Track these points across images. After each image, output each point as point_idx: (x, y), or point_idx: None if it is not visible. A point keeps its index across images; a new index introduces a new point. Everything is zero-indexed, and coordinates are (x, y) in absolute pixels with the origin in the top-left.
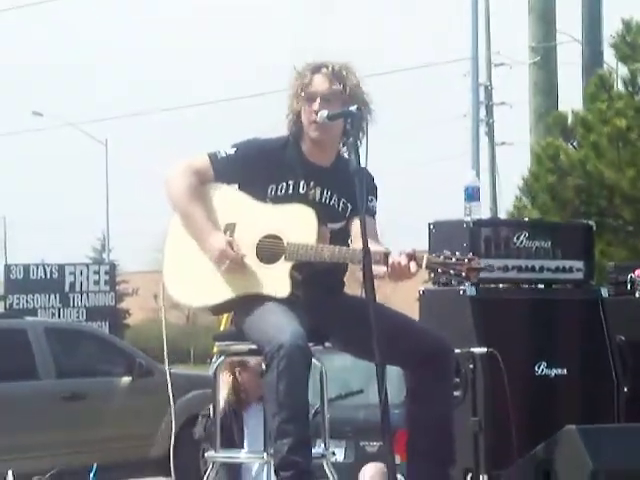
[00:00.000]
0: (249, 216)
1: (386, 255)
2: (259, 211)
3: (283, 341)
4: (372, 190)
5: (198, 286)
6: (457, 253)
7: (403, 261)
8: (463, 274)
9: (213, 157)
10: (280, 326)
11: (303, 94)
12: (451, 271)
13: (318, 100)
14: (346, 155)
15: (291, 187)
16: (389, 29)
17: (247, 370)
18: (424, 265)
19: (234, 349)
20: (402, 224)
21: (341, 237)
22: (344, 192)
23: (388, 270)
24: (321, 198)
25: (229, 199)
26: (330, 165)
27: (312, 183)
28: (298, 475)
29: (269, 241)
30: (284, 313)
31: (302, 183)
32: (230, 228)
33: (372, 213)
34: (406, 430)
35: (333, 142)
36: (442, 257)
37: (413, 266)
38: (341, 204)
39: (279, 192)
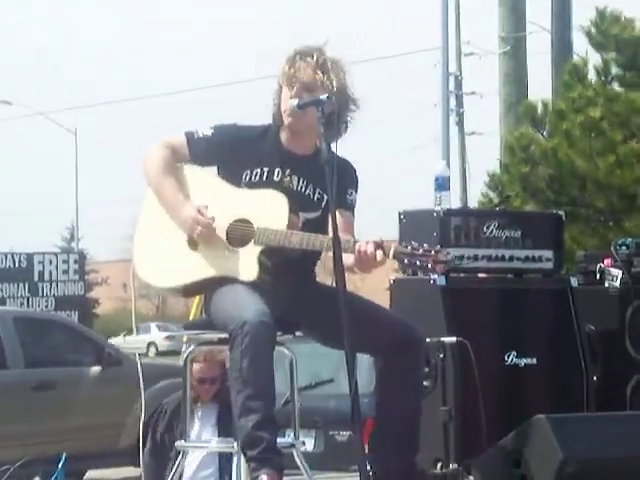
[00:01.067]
0: (221, 199)
1: (353, 243)
2: (231, 195)
3: (246, 318)
4: (352, 183)
5: (168, 268)
6: (425, 245)
7: (370, 249)
8: (429, 265)
9: (190, 136)
10: (244, 304)
11: (286, 79)
12: (417, 262)
13: (296, 87)
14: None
15: (265, 174)
16: (359, 18)
17: (213, 362)
18: (391, 255)
19: (203, 338)
20: (372, 213)
21: (317, 227)
22: (321, 182)
23: (355, 256)
24: (297, 186)
25: (202, 181)
26: (309, 154)
27: (288, 171)
28: (264, 451)
29: (239, 225)
30: (249, 293)
31: (277, 170)
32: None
33: (351, 207)
34: (373, 418)
35: (311, 131)
36: (409, 248)
37: (379, 255)
38: (317, 194)
39: (253, 178)
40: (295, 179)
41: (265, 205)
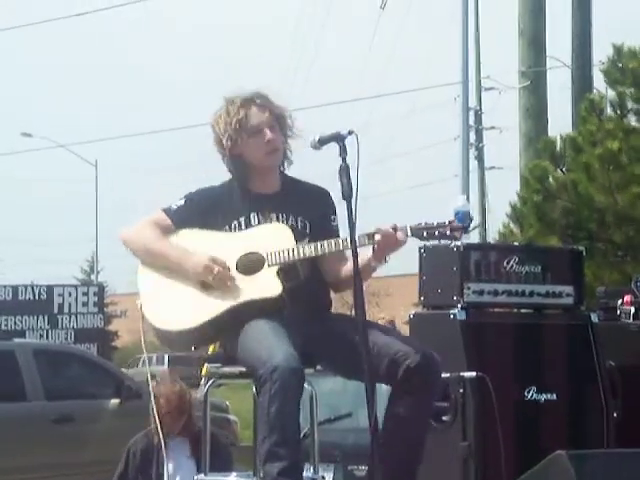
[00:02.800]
0: (222, 244)
1: (371, 235)
2: (230, 239)
3: (276, 363)
4: (333, 209)
5: (185, 311)
6: (434, 221)
7: (389, 232)
8: (448, 233)
9: (167, 210)
10: (273, 347)
11: (242, 130)
12: (436, 232)
13: (267, 130)
14: (288, 174)
15: (243, 223)
16: (380, 52)
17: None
18: (409, 232)
19: (225, 372)
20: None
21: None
22: (299, 211)
23: (375, 247)
24: (279, 221)
25: (196, 237)
26: (278, 189)
27: (266, 212)
28: None
29: (248, 257)
30: (275, 333)
31: (252, 215)
32: None
33: (337, 233)
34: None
35: (277, 168)
36: (423, 223)
37: (401, 234)
38: (299, 222)
39: (234, 230)
40: (274, 216)
41: (268, 235)
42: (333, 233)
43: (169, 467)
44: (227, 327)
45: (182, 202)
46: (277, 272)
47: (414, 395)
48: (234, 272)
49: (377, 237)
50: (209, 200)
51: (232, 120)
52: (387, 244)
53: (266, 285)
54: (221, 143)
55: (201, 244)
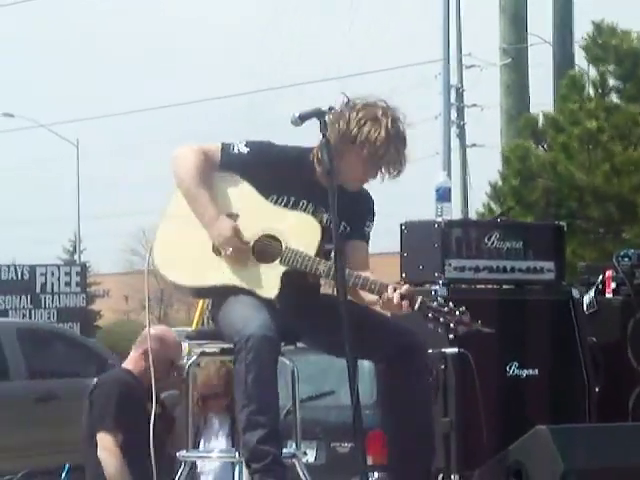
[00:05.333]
0: (253, 210)
1: (380, 286)
2: (265, 209)
3: (250, 333)
4: (369, 214)
5: (188, 266)
6: (450, 304)
7: (396, 299)
8: (451, 325)
9: (226, 147)
10: (248, 318)
11: (362, 148)
12: (441, 319)
13: (382, 168)
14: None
15: (291, 203)
16: (359, 31)
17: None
18: (417, 307)
19: (205, 350)
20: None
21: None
22: (345, 216)
23: (380, 304)
24: (325, 220)
25: (237, 189)
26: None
27: (316, 205)
28: (269, 465)
29: (267, 241)
30: (255, 306)
31: (303, 202)
32: (232, 218)
33: (367, 238)
34: (384, 428)
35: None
36: (435, 303)
37: (405, 305)
38: (341, 227)
39: (278, 203)
40: (323, 213)
41: (298, 227)
42: (364, 238)
43: (208, 443)
44: (219, 294)
45: (245, 150)
46: (284, 273)
47: (418, 370)
48: (248, 251)
49: (383, 297)
50: (273, 161)
51: (357, 132)
52: (387, 307)
53: (267, 283)
54: (336, 132)
55: (237, 199)
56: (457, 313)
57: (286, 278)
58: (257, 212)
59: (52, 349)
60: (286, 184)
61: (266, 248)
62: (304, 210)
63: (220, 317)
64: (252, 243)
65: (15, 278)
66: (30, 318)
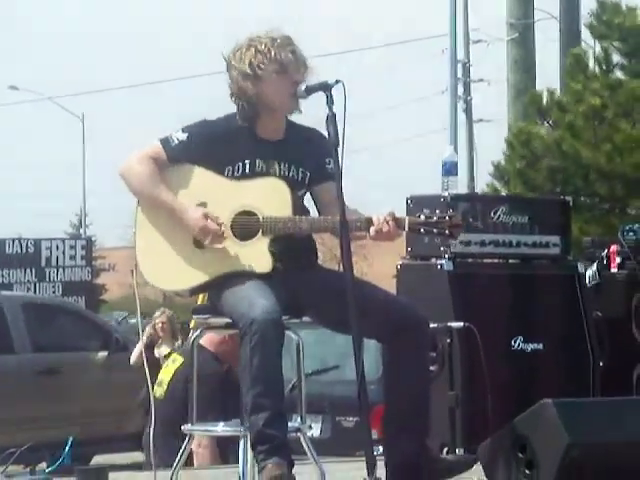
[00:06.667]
0: (218, 194)
1: (368, 222)
2: (227, 188)
3: (254, 316)
4: (326, 151)
5: (175, 270)
6: (437, 211)
7: (385, 228)
8: (446, 232)
9: (165, 143)
10: (252, 301)
11: (270, 67)
12: (434, 230)
13: (294, 72)
14: (293, 120)
15: (247, 166)
16: (366, 4)
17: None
18: (406, 227)
19: (212, 322)
20: (380, 198)
21: (303, 205)
22: (300, 160)
23: (371, 235)
24: (280, 172)
25: (194, 178)
26: (282, 136)
27: (269, 160)
28: (275, 448)
29: (243, 218)
30: (257, 287)
31: (258, 161)
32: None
33: (332, 176)
34: (384, 402)
35: (284, 116)
36: (423, 217)
37: (395, 230)
38: (300, 173)
39: (236, 173)
40: (276, 165)
41: (266, 193)
42: (329, 177)
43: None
44: (215, 286)
45: (183, 136)
46: (270, 242)
47: (418, 346)
48: (228, 232)
49: (371, 231)
50: (212, 136)
51: (260, 56)
52: (380, 237)
53: (258, 258)
54: (239, 78)
55: (198, 188)
56: (447, 218)
57: (275, 246)
58: (221, 194)
59: (57, 323)
60: (234, 151)
61: (244, 225)
62: (260, 169)
63: (223, 302)
64: (230, 225)
65: (20, 252)
66: (35, 292)
